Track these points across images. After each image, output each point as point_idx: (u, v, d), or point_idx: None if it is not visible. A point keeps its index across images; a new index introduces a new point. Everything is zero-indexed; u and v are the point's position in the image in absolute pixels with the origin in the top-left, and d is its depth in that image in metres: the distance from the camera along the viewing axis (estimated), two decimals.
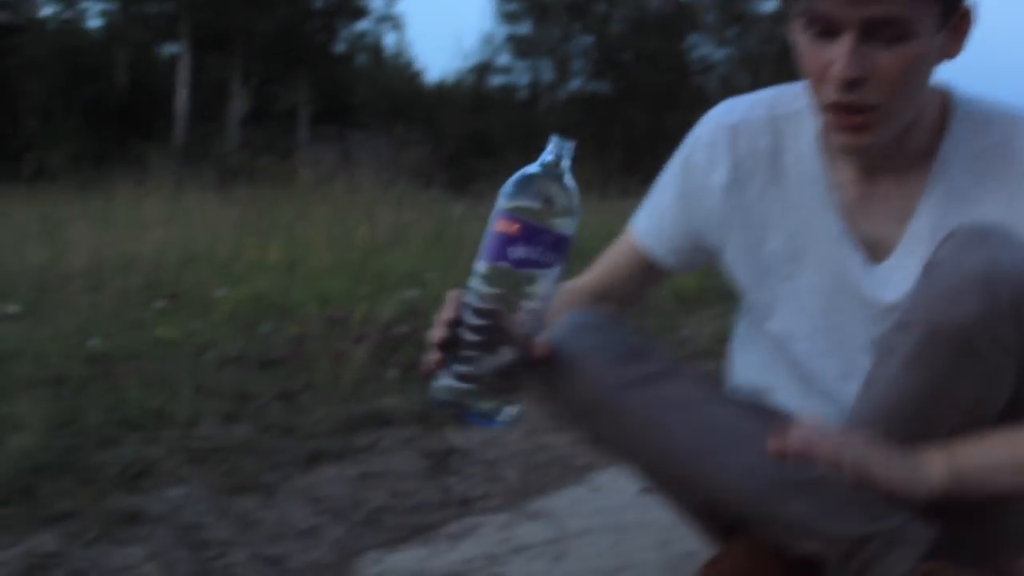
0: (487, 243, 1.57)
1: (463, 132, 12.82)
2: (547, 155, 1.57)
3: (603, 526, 2.42)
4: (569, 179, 1.57)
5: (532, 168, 1.57)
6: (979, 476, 1.63)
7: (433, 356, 1.60)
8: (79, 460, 2.94)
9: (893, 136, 1.70)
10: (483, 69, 34.71)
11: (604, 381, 1.68)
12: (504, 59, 37.44)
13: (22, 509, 2.66)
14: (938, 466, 1.61)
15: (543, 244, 1.54)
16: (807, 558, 1.82)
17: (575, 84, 35.06)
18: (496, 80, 35.53)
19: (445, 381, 1.59)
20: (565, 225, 1.56)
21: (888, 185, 1.78)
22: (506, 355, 1.57)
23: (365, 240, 6.22)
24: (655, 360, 1.73)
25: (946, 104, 1.77)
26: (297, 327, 4.30)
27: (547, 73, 35.24)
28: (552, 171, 1.56)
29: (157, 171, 8.74)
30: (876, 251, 1.80)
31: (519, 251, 1.54)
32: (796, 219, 1.83)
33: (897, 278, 1.78)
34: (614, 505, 2.53)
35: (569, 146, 1.58)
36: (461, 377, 1.58)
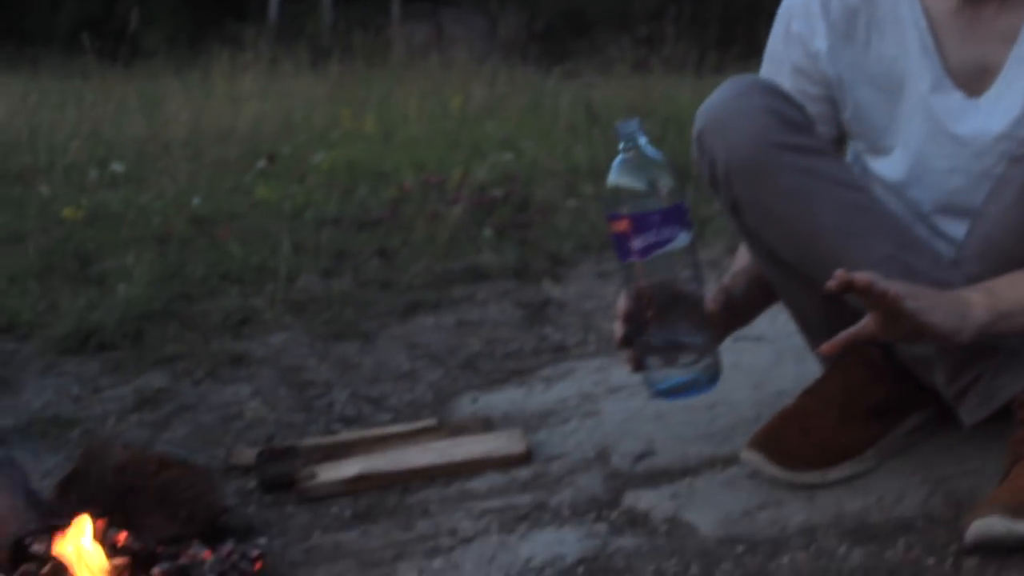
0: (614, 246, 1.63)
1: (557, 9, 12.68)
2: (621, 146, 1.59)
3: None
4: (651, 151, 1.60)
5: (615, 164, 1.60)
6: (1020, 315, 1.62)
7: (627, 355, 1.68)
8: (184, 309, 3.03)
9: None
10: None
11: (766, 138, 1.69)
12: None
13: (132, 352, 2.76)
14: (982, 309, 1.60)
15: (656, 225, 1.58)
16: (912, 373, 1.83)
17: None
18: None
19: (654, 373, 1.67)
20: (668, 196, 1.59)
21: (991, 9, 1.75)
22: (690, 328, 1.63)
23: (459, 111, 6.21)
24: (815, 137, 1.75)
25: None
26: (393, 190, 4.34)
27: None
28: (632, 155, 1.59)
29: (252, 49, 8.78)
30: (979, 82, 1.77)
31: (638, 242, 1.59)
32: (898, 66, 1.81)
33: (1003, 106, 1.75)
34: None
35: (633, 124, 1.60)
36: (664, 363, 1.65)
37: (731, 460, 1.97)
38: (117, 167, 4.77)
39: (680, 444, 2.07)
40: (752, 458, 1.87)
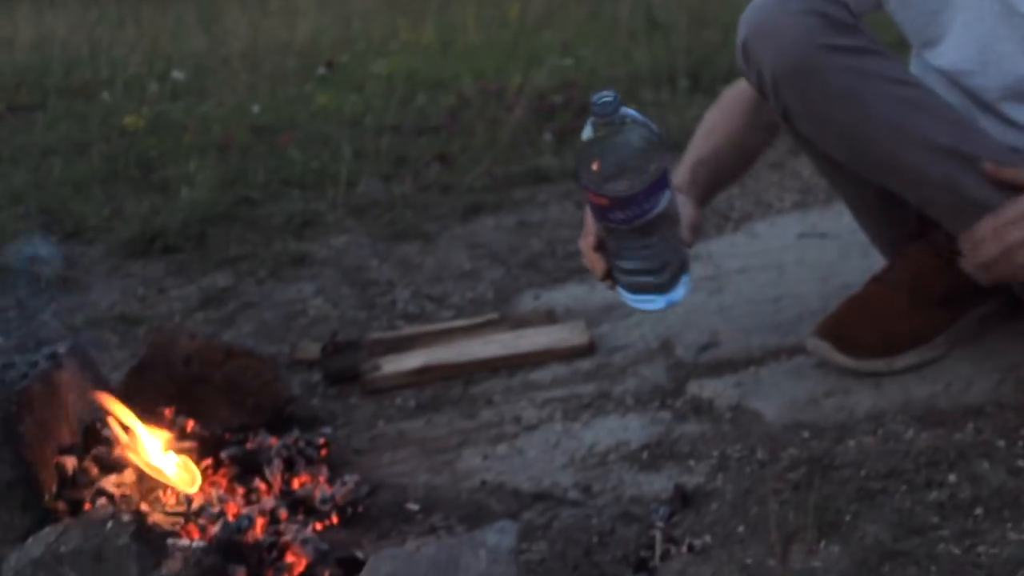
0: (590, 207, 1.57)
1: None
2: (592, 120, 1.48)
3: (762, 265, 2.41)
4: (630, 118, 1.49)
5: (591, 136, 1.49)
6: None
7: (604, 280, 1.66)
8: (246, 212, 3.04)
9: None
10: None
11: (812, 41, 1.65)
12: None
13: (196, 254, 2.78)
14: None
15: (640, 201, 1.51)
16: None
17: None
18: None
19: (628, 291, 1.64)
20: (652, 170, 1.50)
21: None
22: (662, 249, 1.59)
23: (518, 20, 6.14)
24: (863, 37, 1.70)
25: None
26: (452, 98, 4.31)
27: None
28: (611, 128, 1.48)
29: None
30: None
31: (619, 215, 1.52)
32: None
33: None
34: (773, 247, 2.52)
35: (610, 96, 1.47)
36: (637, 282, 1.61)
37: (796, 350, 1.95)
38: (177, 75, 4.78)
39: (744, 335, 2.06)
40: (818, 346, 1.85)
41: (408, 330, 2.24)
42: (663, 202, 1.52)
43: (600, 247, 1.64)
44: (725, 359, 1.99)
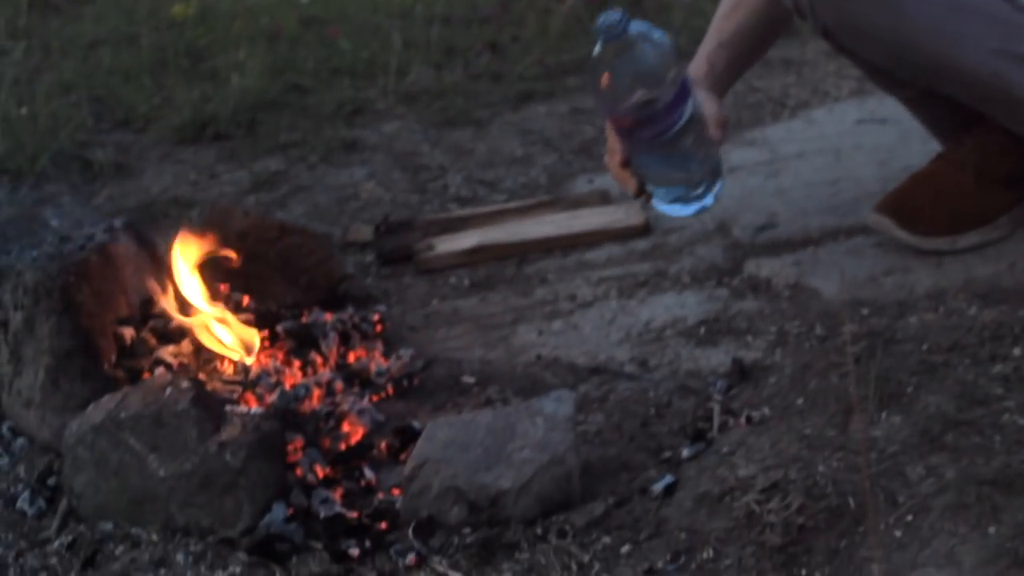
0: (615, 129, 1.57)
1: None
2: (601, 40, 1.47)
3: (819, 149, 2.37)
4: (642, 34, 1.46)
5: (603, 58, 1.47)
6: None
7: (639, 196, 1.65)
8: (296, 100, 3.02)
9: None
10: None
11: None
12: None
13: (246, 140, 2.77)
14: None
15: (662, 116, 1.48)
16: None
17: None
18: None
19: (661, 204, 1.63)
20: (670, 81, 1.46)
21: None
22: (691, 155, 1.56)
23: None
24: None
25: None
26: None
27: None
28: (624, 48, 1.46)
29: None
30: None
31: (646, 133, 1.50)
32: None
33: None
34: (830, 132, 2.47)
35: (616, 16, 1.45)
36: (666, 193, 1.61)
37: (855, 231, 1.93)
38: None
39: (802, 217, 2.03)
40: (880, 221, 1.82)
41: (461, 211, 2.23)
42: (688, 110, 1.50)
43: (627, 163, 1.62)
44: (783, 239, 1.96)
